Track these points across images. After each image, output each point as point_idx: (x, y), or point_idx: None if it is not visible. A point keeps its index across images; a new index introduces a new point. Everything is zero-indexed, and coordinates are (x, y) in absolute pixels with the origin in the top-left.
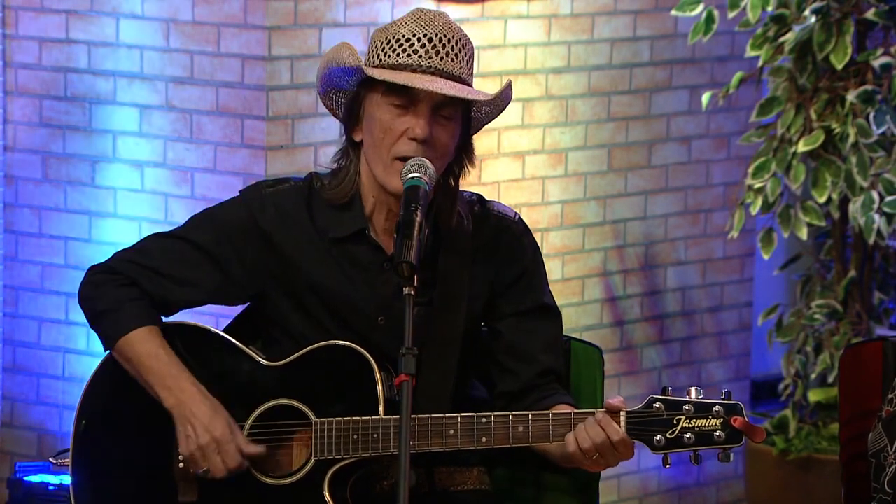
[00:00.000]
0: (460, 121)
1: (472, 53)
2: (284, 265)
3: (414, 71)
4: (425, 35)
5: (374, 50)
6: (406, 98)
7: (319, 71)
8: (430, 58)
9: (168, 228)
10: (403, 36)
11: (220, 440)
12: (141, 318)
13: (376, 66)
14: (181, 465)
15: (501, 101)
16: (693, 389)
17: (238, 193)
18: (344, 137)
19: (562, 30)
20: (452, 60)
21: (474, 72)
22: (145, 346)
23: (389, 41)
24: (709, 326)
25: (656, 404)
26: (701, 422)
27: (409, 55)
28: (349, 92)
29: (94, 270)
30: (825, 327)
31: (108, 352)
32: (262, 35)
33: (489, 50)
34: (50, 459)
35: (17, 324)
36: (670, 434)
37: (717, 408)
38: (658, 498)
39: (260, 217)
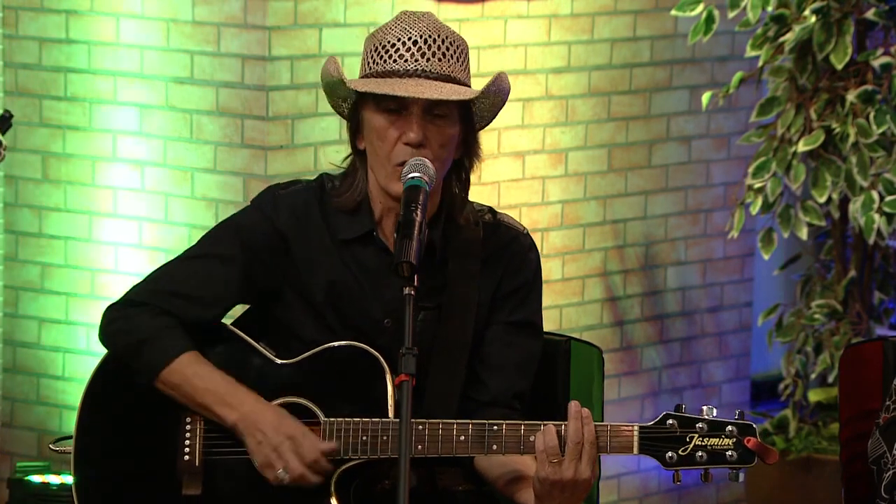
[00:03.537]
0: (458, 118)
1: (464, 50)
2: (298, 266)
3: (400, 76)
4: (409, 38)
5: (365, 58)
6: (397, 103)
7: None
8: (417, 60)
9: (168, 228)
10: (389, 41)
11: (293, 436)
12: (182, 345)
13: (366, 76)
14: (199, 456)
15: (498, 94)
16: (705, 408)
17: (250, 203)
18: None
19: (562, 30)
20: (439, 60)
21: (474, 71)
22: (193, 367)
23: (377, 48)
24: (709, 326)
25: (670, 421)
26: (714, 440)
27: (395, 60)
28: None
29: (118, 306)
30: (825, 327)
31: (148, 384)
32: (262, 35)
33: (489, 50)
34: (49, 446)
35: (17, 324)
36: (682, 451)
37: (730, 427)
38: (658, 498)
39: (276, 219)
